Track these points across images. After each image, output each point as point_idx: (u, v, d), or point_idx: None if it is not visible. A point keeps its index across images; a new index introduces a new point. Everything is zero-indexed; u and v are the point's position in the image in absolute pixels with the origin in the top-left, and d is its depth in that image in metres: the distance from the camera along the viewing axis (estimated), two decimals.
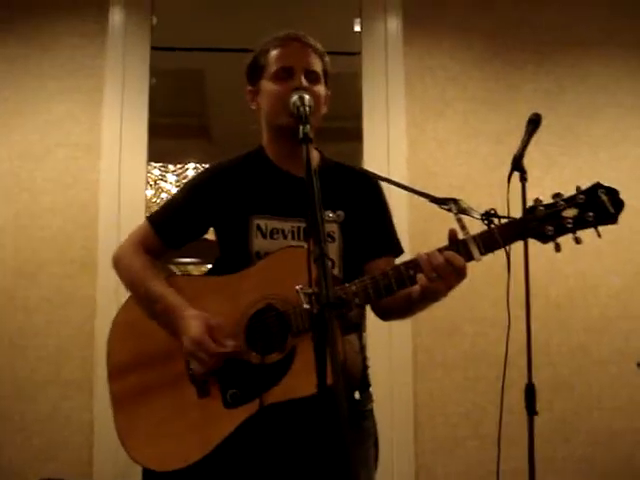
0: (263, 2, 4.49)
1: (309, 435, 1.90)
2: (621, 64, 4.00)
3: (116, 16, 3.89)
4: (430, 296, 1.82)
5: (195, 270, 7.87)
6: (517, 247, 1.90)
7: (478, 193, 3.76)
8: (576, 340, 3.75)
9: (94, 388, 3.50)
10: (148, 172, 6.26)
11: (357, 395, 2.02)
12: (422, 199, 1.97)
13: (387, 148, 3.84)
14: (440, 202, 1.89)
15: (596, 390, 3.71)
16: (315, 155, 2.15)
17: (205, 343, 1.87)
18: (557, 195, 1.74)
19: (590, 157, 3.90)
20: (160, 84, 4.25)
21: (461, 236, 1.77)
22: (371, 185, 2.18)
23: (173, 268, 6.90)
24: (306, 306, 1.58)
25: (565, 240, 1.75)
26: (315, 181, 1.56)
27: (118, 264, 2.15)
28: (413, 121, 3.88)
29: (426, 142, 3.87)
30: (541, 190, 3.69)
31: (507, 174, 2.46)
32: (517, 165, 2.50)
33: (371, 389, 2.12)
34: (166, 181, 7.24)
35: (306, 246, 1.50)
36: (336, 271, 2.03)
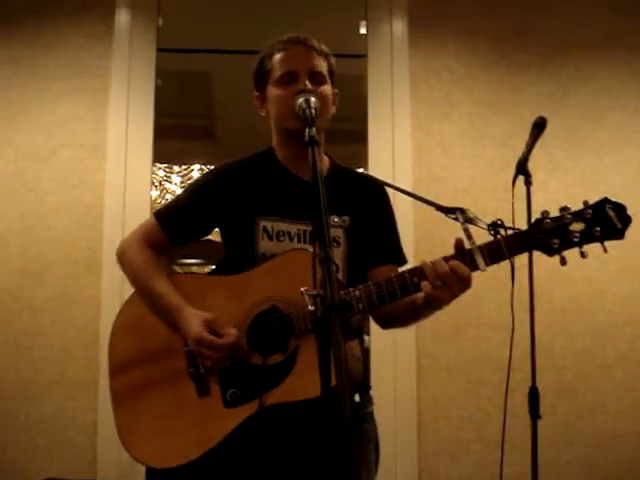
0: (269, 4, 4.50)
1: (309, 437, 1.90)
2: (625, 67, 4.00)
3: (122, 17, 3.90)
4: (434, 304, 1.82)
5: (198, 271, 7.88)
6: None
7: (483, 196, 3.76)
8: (580, 345, 3.74)
9: (99, 388, 3.50)
10: (153, 173, 6.26)
11: (357, 398, 2.02)
12: None
13: (392, 151, 3.84)
14: (447, 211, 1.89)
15: (600, 394, 3.71)
16: (325, 160, 2.15)
17: (206, 339, 1.87)
18: (564, 208, 1.75)
19: (594, 161, 3.90)
20: (166, 85, 4.25)
21: (467, 245, 1.77)
22: (379, 193, 2.18)
23: (177, 269, 6.91)
24: (311, 308, 1.58)
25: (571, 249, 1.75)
26: (321, 184, 1.56)
27: (122, 258, 2.15)
28: (418, 124, 3.89)
29: (431, 145, 3.88)
30: (546, 194, 3.73)
31: (512, 177, 2.46)
32: (522, 169, 2.50)
33: (371, 392, 2.12)
34: (171, 182, 7.24)
35: (311, 249, 1.50)
36: (340, 276, 2.03)
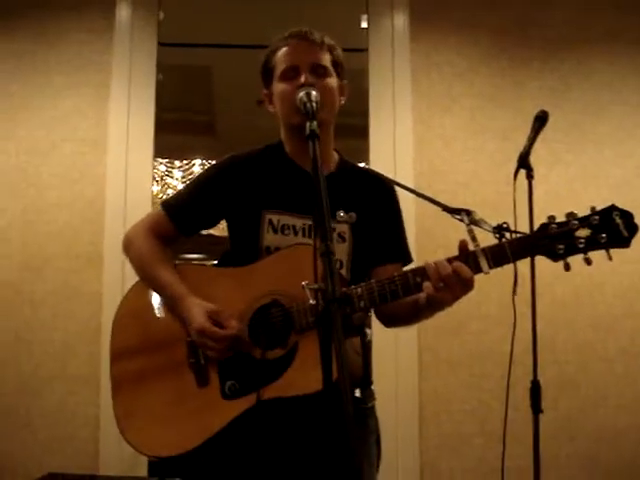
0: None
1: (309, 431, 1.91)
2: (627, 62, 3.99)
3: (123, 12, 3.90)
4: (436, 305, 1.82)
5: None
6: None
7: (484, 190, 3.76)
8: (582, 338, 3.74)
9: (100, 383, 3.50)
10: (154, 168, 6.26)
11: (357, 393, 2.02)
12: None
13: (393, 145, 3.83)
14: (453, 212, 1.89)
15: (602, 388, 3.71)
16: (334, 156, 2.16)
17: (209, 329, 1.88)
18: (570, 214, 1.73)
19: (595, 154, 3.90)
20: (167, 80, 4.25)
21: (471, 247, 1.76)
22: (386, 190, 2.17)
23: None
24: (312, 302, 1.58)
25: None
26: (322, 178, 1.56)
27: (129, 247, 2.16)
28: (419, 117, 3.88)
29: (432, 139, 3.87)
30: (547, 187, 3.73)
31: (513, 171, 2.45)
32: (523, 162, 2.50)
33: (373, 387, 2.12)
34: (172, 177, 7.23)
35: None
36: (344, 272, 2.03)
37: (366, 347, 2.09)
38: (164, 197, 6.84)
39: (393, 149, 3.83)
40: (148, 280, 2.08)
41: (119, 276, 3.55)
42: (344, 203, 2.03)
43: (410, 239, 2.23)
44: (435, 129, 3.88)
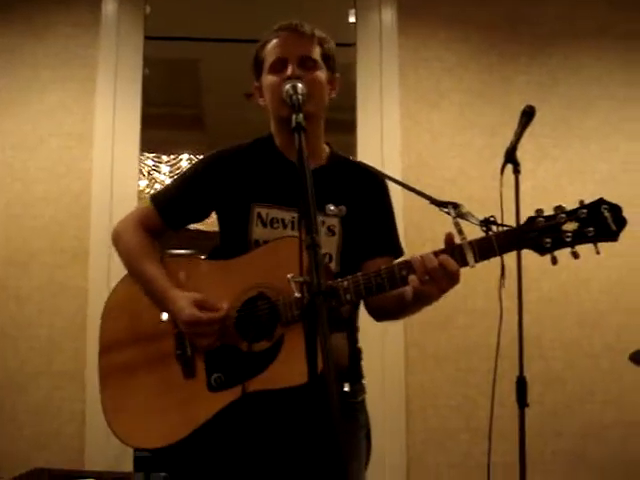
0: None
1: (294, 424, 1.90)
2: (614, 57, 4.00)
3: (109, 5, 3.88)
4: (423, 299, 1.81)
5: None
6: None
7: (471, 185, 3.76)
8: (568, 334, 3.75)
9: (86, 378, 3.49)
10: (142, 163, 6.23)
11: (347, 387, 2.01)
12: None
13: (381, 139, 3.83)
14: (440, 205, 1.88)
15: (587, 383, 3.72)
16: (324, 148, 2.15)
17: (199, 317, 1.88)
18: (558, 207, 1.70)
19: (582, 149, 3.91)
20: (154, 74, 4.23)
21: (458, 241, 1.75)
22: (377, 184, 2.16)
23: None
24: (297, 295, 1.57)
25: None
26: (307, 170, 1.56)
27: (117, 240, 2.15)
28: (407, 112, 3.88)
29: (420, 133, 3.87)
30: (534, 182, 3.74)
31: (500, 166, 2.46)
32: (510, 157, 2.51)
33: (364, 381, 2.12)
34: (160, 172, 7.22)
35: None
36: (333, 265, 2.03)
37: (354, 341, 2.09)
38: (151, 192, 6.82)
39: (380, 144, 3.83)
40: (134, 274, 2.08)
41: (105, 271, 3.54)
42: (334, 196, 2.02)
43: (399, 234, 2.22)
44: (423, 124, 3.88)
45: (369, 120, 3.88)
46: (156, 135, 5.86)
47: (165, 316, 1.99)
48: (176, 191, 2.17)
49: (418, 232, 3.45)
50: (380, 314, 2.11)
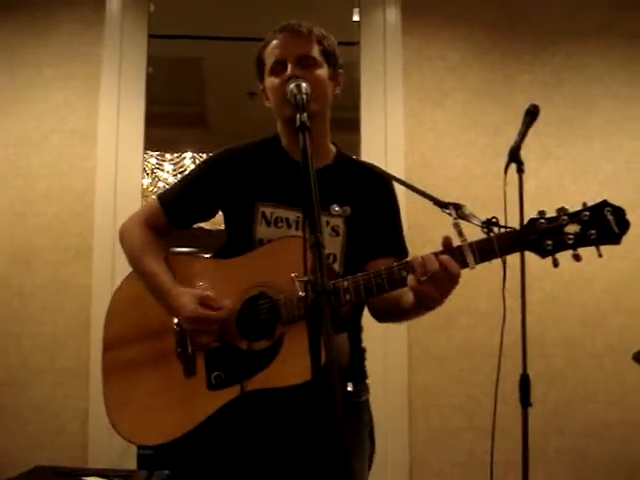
0: None
1: (294, 423, 1.91)
2: (617, 56, 3.99)
3: (114, 3, 3.88)
4: (423, 301, 1.76)
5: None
6: None
7: (475, 184, 3.76)
8: (571, 333, 3.75)
9: (89, 376, 3.49)
10: (145, 161, 6.23)
11: (350, 387, 2.01)
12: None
13: (384, 138, 3.83)
14: (442, 205, 1.87)
15: (590, 383, 3.72)
16: (331, 148, 2.15)
17: (201, 314, 1.89)
18: (561, 209, 1.68)
19: (585, 148, 3.90)
20: (157, 72, 4.23)
21: (456, 242, 1.74)
22: (382, 184, 2.16)
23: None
24: (301, 294, 1.58)
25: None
26: (311, 169, 1.56)
27: (123, 238, 2.18)
28: (411, 111, 3.88)
29: (424, 132, 3.87)
30: (537, 181, 3.73)
31: (504, 165, 2.45)
32: (514, 156, 2.49)
33: (368, 381, 2.12)
34: (163, 170, 7.23)
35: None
36: (337, 266, 2.03)
37: (357, 340, 2.09)
38: (155, 190, 6.83)
39: (384, 143, 3.83)
40: (138, 271, 2.09)
41: (108, 269, 3.54)
42: (339, 197, 2.03)
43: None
44: (426, 123, 3.88)
45: (373, 119, 3.87)
46: (160, 133, 5.86)
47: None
48: (182, 190, 2.19)
49: (422, 233, 3.44)
50: (381, 315, 2.10)
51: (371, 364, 2.15)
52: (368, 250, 2.08)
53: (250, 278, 1.93)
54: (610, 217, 1.65)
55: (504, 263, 1.86)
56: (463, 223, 1.77)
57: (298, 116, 1.70)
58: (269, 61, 2.06)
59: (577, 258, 1.67)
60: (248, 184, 2.08)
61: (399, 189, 2.15)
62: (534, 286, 3.44)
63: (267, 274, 1.91)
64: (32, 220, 3.68)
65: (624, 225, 1.65)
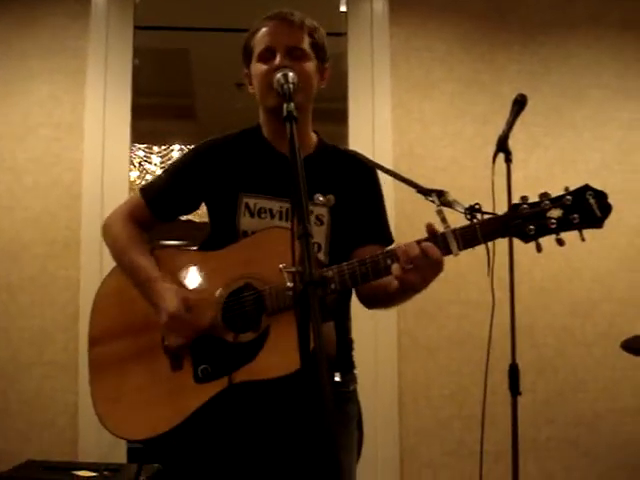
0: None
1: (282, 414, 1.91)
2: (606, 46, 3.99)
3: None
4: (408, 288, 1.76)
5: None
6: None
7: (463, 174, 3.76)
8: (560, 322, 3.76)
9: (78, 369, 3.49)
10: (133, 153, 6.20)
11: (337, 377, 2.01)
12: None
13: (372, 129, 3.82)
14: (425, 192, 1.86)
15: (580, 372, 3.73)
16: (312, 137, 2.14)
17: (181, 316, 1.88)
18: (544, 194, 1.68)
19: (574, 138, 3.90)
20: (144, 64, 4.21)
21: (441, 229, 1.74)
22: (366, 171, 2.15)
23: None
24: (289, 284, 1.57)
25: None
26: (299, 160, 1.55)
27: (107, 232, 2.16)
28: (399, 102, 3.87)
29: (411, 123, 3.86)
30: (526, 171, 3.73)
31: (492, 155, 2.45)
32: (502, 146, 2.50)
33: (356, 371, 2.12)
34: (151, 163, 7.20)
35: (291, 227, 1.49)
36: (322, 255, 2.02)
37: (344, 331, 2.08)
38: (143, 183, 6.80)
39: (372, 134, 3.82)
40: (123, 265, 2.08)
41: (97, 262, 3.52)
42: (322, 186, 2.02)
43: (390, 224, 2.21)
44: (414, 113, 3.87)
45: (360, 110, 3.87)
46: (147, 126, 5.83)
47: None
48: (164, 183, 2.17)
49: (409, 223, 3.45)
50: (369, 302, 2.10)
51: (360, 355, 2.15)
52: (353, 238, 2.07)
53: (235, 270, 1.92)
54: (592, 201, 1.65)
55: (487, 249, 1.85)
56: (447, 210, 1.76)
57: (285, 106, 1.68)
58: (258, 47, 2.05)
59: (560, 242, 1.67)
60: (231, 175, 2.06)
61: (387, 179, 2.14)
62: (524, 276, 3.46)
63: (252, 265, 1.91)
64: (19, 213, 3.67)
65: (606, 209, 1.66)
